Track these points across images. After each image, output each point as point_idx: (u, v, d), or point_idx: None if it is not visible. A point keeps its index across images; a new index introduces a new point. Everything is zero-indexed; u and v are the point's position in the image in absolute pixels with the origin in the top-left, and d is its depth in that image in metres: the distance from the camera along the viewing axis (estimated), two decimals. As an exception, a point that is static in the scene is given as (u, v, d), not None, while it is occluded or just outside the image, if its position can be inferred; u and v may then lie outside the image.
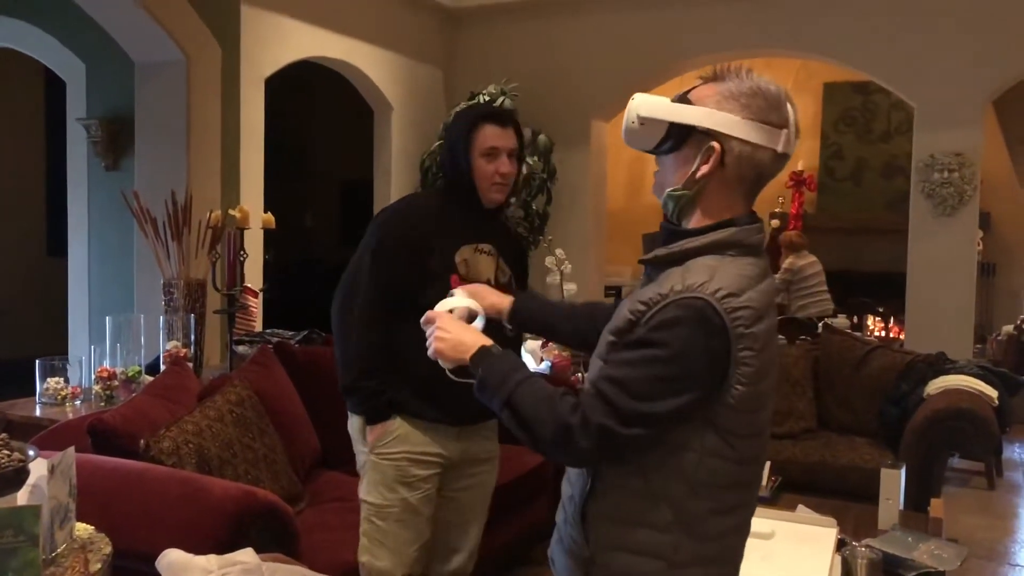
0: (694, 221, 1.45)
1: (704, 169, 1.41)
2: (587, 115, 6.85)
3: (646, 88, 7.02)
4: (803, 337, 4.80)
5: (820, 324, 5.55)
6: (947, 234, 5.94)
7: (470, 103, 6.35)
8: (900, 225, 7.79)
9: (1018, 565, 3.96)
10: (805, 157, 8.39)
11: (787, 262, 6.98)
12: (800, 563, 1.97)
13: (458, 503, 2.49)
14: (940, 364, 3.87)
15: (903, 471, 2.77)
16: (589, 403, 1.35)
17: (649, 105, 1.43)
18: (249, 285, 4.29)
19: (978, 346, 6.63)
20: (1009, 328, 6.73)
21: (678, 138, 1.42)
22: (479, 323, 1.68)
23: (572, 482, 1.54)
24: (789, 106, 1.41)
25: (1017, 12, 5.68)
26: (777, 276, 6.93)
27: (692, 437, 1.37)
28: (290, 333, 3.84)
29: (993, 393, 3.62)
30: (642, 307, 1.37)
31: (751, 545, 1.52)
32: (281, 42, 5.51)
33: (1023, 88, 6.08)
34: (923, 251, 6.02)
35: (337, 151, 8.61)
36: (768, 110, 1.39)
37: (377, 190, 6.70)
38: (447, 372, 1.57)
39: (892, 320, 7.05)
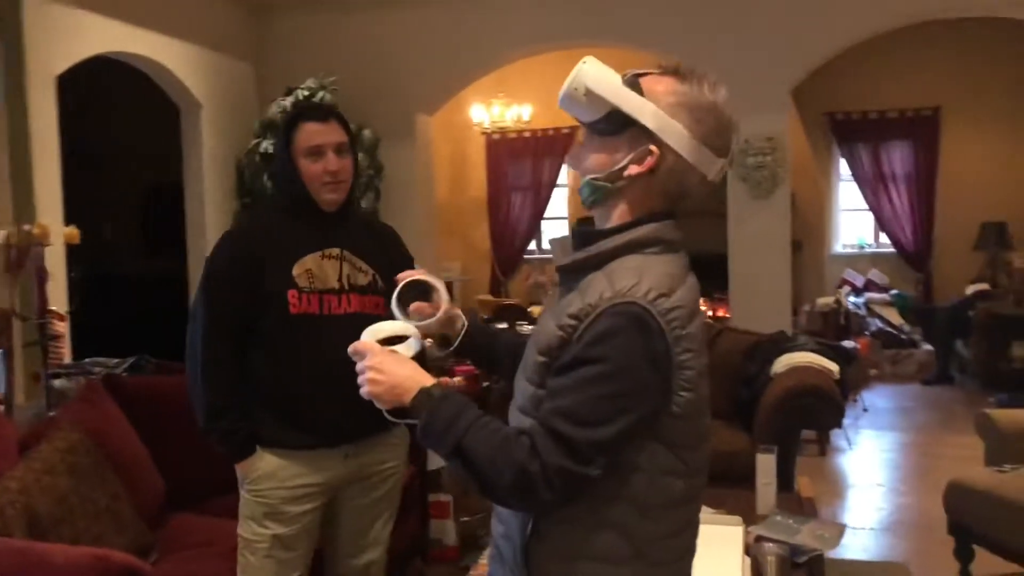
0: (613, 219, 1.35)
1: (634, 170, 1.32)
2: (411, 109, 6.67)
3: (467, 81, 6.96)
4: (521, 323, 4.87)
5: None
6: (763, 215, 6.24)
7: (290, 100, 6.03)
8: (717, 208, 8.18)
9: (859, 528, 4.19)
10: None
11: None
12: (712, 568, 1.92)
13: (360, 511, 2.35)
14: (782, 342, 4.02)
15: (775, 454, 2.82)
16: (543, 444, 1.21)
17: (600, 80, 1.31)
18: (55, 308, 3.84)
19: (792, 318, 7.04)
20: (828, 300, 7.19)
21: (618, 124, 1.31)
22: (411, 346, 1.49)
23: (505, 520, 1.40)
24: (733, 136, 1.34)
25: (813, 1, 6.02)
26: None
27: (640, 457, 1.27)
28: (114, 361, 3.43)
29: (834, 367, 3.81)
30: (572, 321, 1.26)
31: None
32: (73, 36, 4.96)
33: (817, 74, 6.45)
34: (742, 232, 6.30)
35: (141, 154, 7.95)
36: (716, 134, 1.31)
37: (189, 194, 6.21)
38: (384, 412, 1.40)
39: (713, 299, 7.34)
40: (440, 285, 1.62)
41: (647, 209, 1.34)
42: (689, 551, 1.41)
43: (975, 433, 3.62)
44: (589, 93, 1.30)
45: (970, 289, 7.71)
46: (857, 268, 8.68)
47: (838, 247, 8.93)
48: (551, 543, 1.32)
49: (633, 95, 1.30)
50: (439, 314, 1.60)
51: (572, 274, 1.36)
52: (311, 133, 2.19)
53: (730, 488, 3.24)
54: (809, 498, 2.83)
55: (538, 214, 9.42)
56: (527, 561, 1.33)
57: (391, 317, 2.29)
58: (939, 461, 5.11)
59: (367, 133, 6.29)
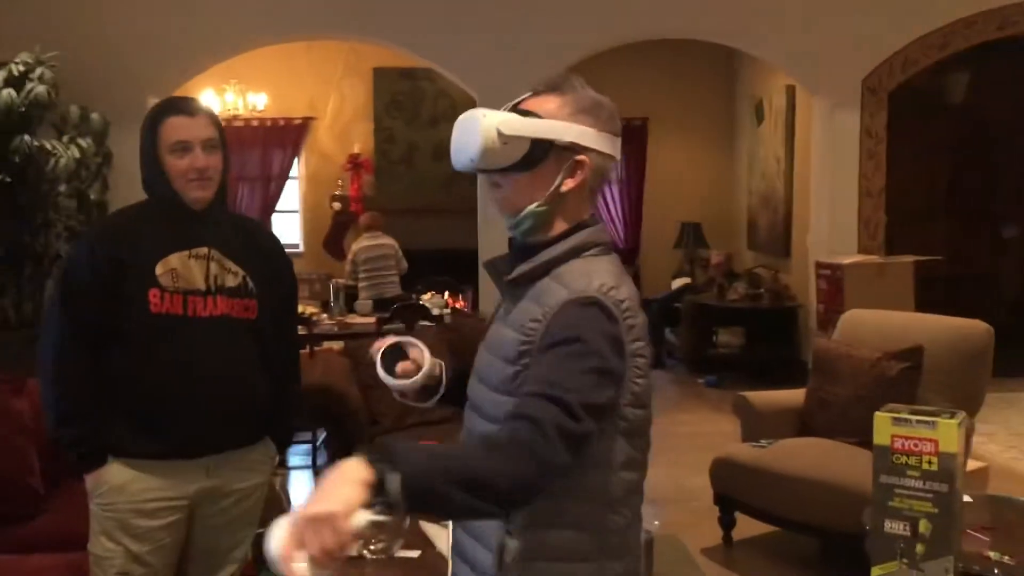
0: (551, 232, 1.44)
1: (569, 183, 1.41)
2: (143, 91, 6.11)
3: (204, 65, 6.54)
4: (424, 323, 4.93)
5: (445, 310, 5.73)
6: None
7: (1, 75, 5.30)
8: (452, 205, 8.39)
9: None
10: (361, 140, 8.54)
11: (353, 245, 7.08)
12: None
13: (215, 531, 2.21)
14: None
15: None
16: (539, 410, 1.21)
17: (509, 122, 1.39)
18: None
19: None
20: None
21: (542, 152, 1.39)
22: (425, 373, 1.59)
23: (474, 531, 1.43)
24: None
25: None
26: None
27: (604, 451, 1.35)
28: None
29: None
30: (534, 324, 1.34)
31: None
32: None
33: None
34: (494, 232, 6.52)
35: None
36: (611, 121, 1.45)
37: None
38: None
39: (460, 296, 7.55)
40: (416, 341, 1.66)
41: (579, 215, 1.45)
42: (639, 542, 1.49)
43: (695, 411, 4.08)
44: (505, 137, 1.37)
45: (675, 283, 8.62)
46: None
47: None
48: (525, 545, 1.36)
49: (543, 121, 1.40)
50: (424, 368, 1.62)
51: (520, 287, 1.43)
52: (177, 128, 2.08)
53: None
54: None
55: (268, 207, 9.06)
56: (501, 564, 1.36)
57: (262, 320, 2.18)
58: (671, 440, 5.66)
59: (95, 117, 5.72)
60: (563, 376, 1.26)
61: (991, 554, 2.49)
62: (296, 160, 8.82)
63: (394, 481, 1.08)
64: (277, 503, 2.58)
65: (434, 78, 8.41)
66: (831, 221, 6.62)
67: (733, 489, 3.71)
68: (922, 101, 7.36)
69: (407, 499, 1.09)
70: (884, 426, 2.32)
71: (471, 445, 1.34)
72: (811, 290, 6.79)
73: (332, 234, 8.33)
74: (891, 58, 6.51)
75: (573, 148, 1.40)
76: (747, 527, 3.80)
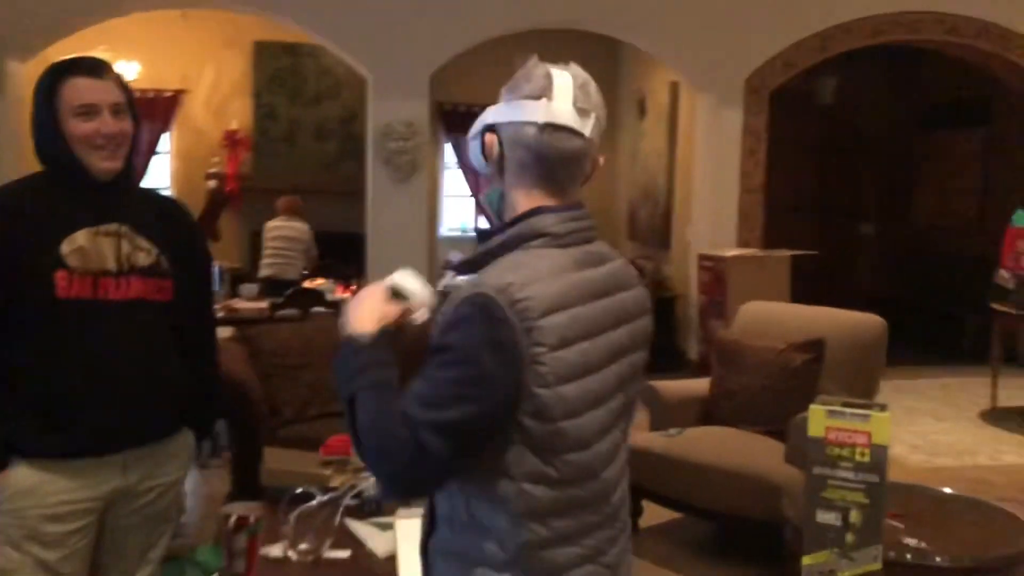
0: (507, 218, 1.39)
1: (490, 165, 1.38)
2: (1, 53, 5.64)
3: (74, 27, 6.07)
4: (318, 309, 4.73)
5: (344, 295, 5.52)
6: (403, 199, 6.39)
7: None
8: (334, 186, 8.16)
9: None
10: (238, 116, 8.16)
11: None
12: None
13: (128, 531, 2.04)
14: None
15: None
16: (400, 422, 1.22)
17: (474, 125, 1.41)
18: None
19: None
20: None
21: (479, 146, 1.39)
22: (421, 315, 1.40)
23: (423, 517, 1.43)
24: (555, 76, 1.34)
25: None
26: None
27: (508, 461, 1.25)
28: None
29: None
30: (441, 315, 1.30)
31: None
32: None
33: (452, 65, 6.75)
34: (382, 215, 6.38)
35: None
36: (522, 85, 1.36)
37: None
38: None
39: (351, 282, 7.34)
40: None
41: (530, 201, 1.35)
42: (590, 559, 1.34)
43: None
44: (472, 136, 1.40)
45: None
46: (460, 250, 9.24)
47: (443, 231, 9.45)
48: (440, 541, 1.36)
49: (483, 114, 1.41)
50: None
51: (467, 273, 1.37)
52: (81, 90, 1.86)
53: None
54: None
55: (134, 183, 8.53)
56: (425, 554, 1.38)
57: (178, 301, 2.00)
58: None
59: (-52, 78, 5.20)
60: (426, 388, 1.22)
61: (908, 540, 2.60)
62: (168, 135, 8.33)
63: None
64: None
65: (318, 54, 8.13)
66: (713, 215, 6.82)
67: (642, 477, 3.74)
68: (795, 102, 7.70)
69: (333, 371, 1.32)
70: (819, 419, 2.38)
71: (388, 400, 1.25)
72: (692, 281, 6.98)
73: (207, 213, 7.93)
74: (773, 59, 6.76)
75: (491, 129, 1.37)
76: (653, 514, 3.85)
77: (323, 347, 3.90)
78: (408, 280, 1.42)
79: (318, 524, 2.41)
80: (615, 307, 1.36)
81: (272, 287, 6.09)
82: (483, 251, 1.33)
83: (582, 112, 1.33)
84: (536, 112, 1.32)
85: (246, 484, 3.33)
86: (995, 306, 5.80)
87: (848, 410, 2.36)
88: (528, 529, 1.27)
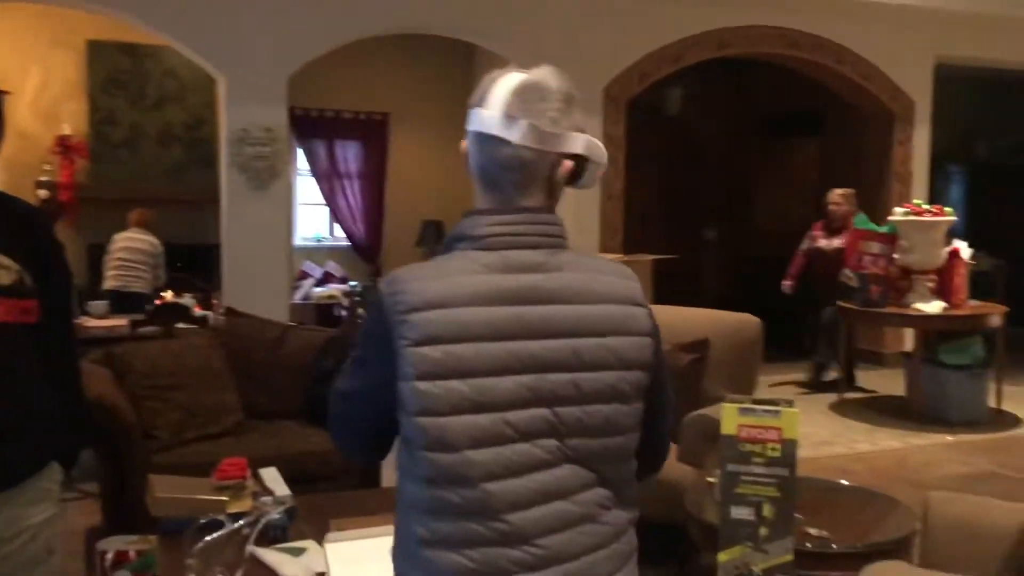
0: None
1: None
2: None
3: None
4: (183, 325, 4.42)
5: (209, 312, 5.18)
6: (262, 206, 6.11)
7: None
8: (180, 195, 7.72)
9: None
10: (72, 121, 7.56)
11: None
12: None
13: None
14: (351, 339, 4.04)
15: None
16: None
17: None
18: None
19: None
20: (325, 292, 7.32)
21: None
22: None
23: None
24: (496, 82, 1.35)
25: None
26: None
27: (403, 456, 1.32)
28: None
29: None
30: None
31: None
32: None
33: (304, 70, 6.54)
34: (240, 225, 6.09)
35: None
36: (476, 95, 1.38)
37: None
38: None
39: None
40: None
41: (477, 203, 1.39)
42: (476, 572, 1.27)
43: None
44: None
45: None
46: (315, 260, 8.99)
47: (297, 240, 9.13)
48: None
49: None
50: None
51: None
52: None
53: (333, 491, 3.20)
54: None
55: (-50, 193, 7.77)
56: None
57: (42, 323, 1.80)
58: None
59: None
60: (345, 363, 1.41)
61: (810, 530, 2.69)
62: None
63: None
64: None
65: (161, 56, 7.68)
66: (576, 222, 6.91)
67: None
68: (645, 112, 7.95)
69: None
70: (731, 416, 2.42)
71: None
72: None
73: (38, 225, 7.30)
74: (630, 68, 6.94)
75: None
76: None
77: (195, 366, 3.66)
78: None
79: (225, 555, 2.23)
80: (532, 317, 1.28)
81: (119, 302, 5.69)
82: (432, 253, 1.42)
83: (509, 118, 1.31)
84: (471, 120, 1.36)
85: (120, 516, 3.06)
86: (841, 304, 6.18)
87: (759, 407, 2.41)
88: (413, 523, 1.30)
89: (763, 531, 2.46)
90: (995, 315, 5.88)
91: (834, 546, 2.67)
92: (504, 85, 1.33)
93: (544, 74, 1.35)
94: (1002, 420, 5.99)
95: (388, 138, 9.08)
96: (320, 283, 8.65)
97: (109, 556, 1.90)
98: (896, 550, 2.65)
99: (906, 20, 7.43)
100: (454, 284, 1.28)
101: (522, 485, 1.26)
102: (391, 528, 2.22)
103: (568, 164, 1.35)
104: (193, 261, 7.39)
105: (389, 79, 8.91)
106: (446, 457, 1.25)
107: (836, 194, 6.68)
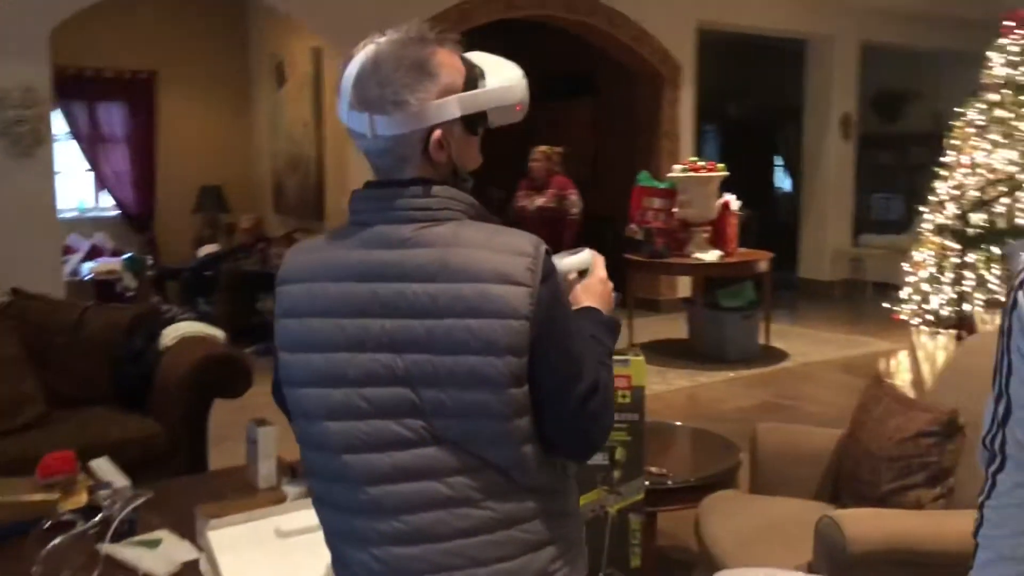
0: None
1: None
2: None
3: None
4: None
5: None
6: (25, 176, 5.52)
7: None
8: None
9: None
10: None
11: None
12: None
13: None
14: (162, 314, 3.77)
15: (274, 426, 2.75)
16: None
17: None
18: None
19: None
20: (105, 267, 6.75)
21: None
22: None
23: None
24: (343, 76, 1.29)
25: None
26: None
27: None
28: None
29: (220, 333, 3.77)
30: None
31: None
32: None
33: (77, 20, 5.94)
34: (1, 196, 5.47)
35: None
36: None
37: None
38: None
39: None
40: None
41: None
42: (333, 533, 1.35)
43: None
44: None
45: (202, 250, 8.12)
46: (82, 233, 8.26)
47: (60, 211, 8.32)
48: None
49: None
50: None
51: None
52: None
53: (158, 476, 3.03)
54: (297, 462, 2.84)
55: None
56: None
57: None
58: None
59: None
60: None
61: (651, 468, 2.88)
62: None
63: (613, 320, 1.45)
64: None
65: None
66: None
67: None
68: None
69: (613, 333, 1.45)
70: (584, 369, 2.53)
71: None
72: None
73: None
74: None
75: None
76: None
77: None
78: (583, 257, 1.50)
79: (73, 558, 2.06)
80: (387, 293, 1.23)
81: None
82: None
83: (354, 112, 1.27)
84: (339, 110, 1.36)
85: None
86: (628, 256, 6.55)
87: (610, 357, 2.54)
88: (320, 507, 1.35)
89: (617, 474, 2.61)
90: (763, 261, 6.49)
91: (669, 482, 2.87)
92: (346, 77, 1.27)
93: (381, 51, 1.26)
94: (772, 355, 6.65)
95: (156, 98, 8.47)
96: (88, 257, 7.96)
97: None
98: (726, 480, 2.90)
99: (672, -14, 7.90)
100: (319, 259, 1.30)
101: (380, 460, 1.24)
102: (271, 512, 2.16)
103: (437, 134, 1.27)
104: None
105: (155, 35, 8.29)
106: (307, 426, 1.30)
107: (538, 151, 6.58)
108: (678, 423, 3.63)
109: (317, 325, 1.26)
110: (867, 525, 2.10)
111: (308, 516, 1.99)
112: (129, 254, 8.21)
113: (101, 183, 8.37)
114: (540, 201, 6.50)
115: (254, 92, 8.81)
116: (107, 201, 8.49)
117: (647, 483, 2.83)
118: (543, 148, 6.58)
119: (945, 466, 2.30)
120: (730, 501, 2.69)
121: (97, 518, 2.15)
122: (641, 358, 2.57)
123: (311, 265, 1.30)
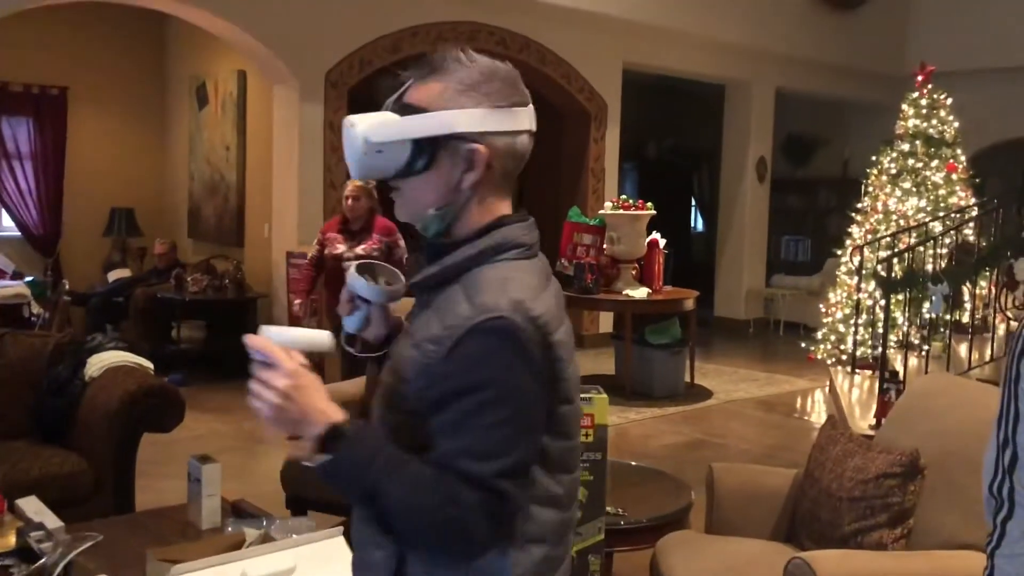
0: (465, 228, 1.26)
1: (472, 177, 1.24)
2: None
3: None
4: None
5: None
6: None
7: None
8: None
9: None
10: None
11: None
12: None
13: None
14: (86, 343, 3.54)
15: (218, 463, 2.61)
16: (454, 488, 1.10)
17: (379, 128, 1.22)
18: None
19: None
20: (11, 291, 6.36)
21: (430, 154, 1.23)
22: (324, 339, 1.24)
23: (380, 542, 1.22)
24: (519, 78, 1.29)
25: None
26: None
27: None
28: None
29: (149, 364, 3.58)
30: (432, 346, 1.18)
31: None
32: None
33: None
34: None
35: None
36: (508, 89, 1.26)
37: None
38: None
39: None
40: (388, 266, 1.43)
41: (496, 210, 1.27)
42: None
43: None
44: (379, 147, 1.22)
45: (112, 275, 7.78)
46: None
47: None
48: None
49: (418, 117, 1.23)
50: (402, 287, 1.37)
51: (427, 291, 1.26)
52: None
53: (83, 516, 2.84)
54: (239, 500, 2.70)
55: None
56: None
57: None
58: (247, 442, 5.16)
59: None
60: (475, 440, 1.12)
61: (608, 508, 2.83)
62: None
63: (320, 459, 1.12)
64: None
65: None
66: (298, 212, 6.66)
67: (305, 489, 3.55)
68: (362, 102, 7.85)
69: (324, 477, 1.14)
70: (548, 406, 2.49)
71: (413, 472, 1.13)
72: (279, 281, 6.77)
73: None
74: (351, 55, 6.81)
75: (464, 138, 1.21)
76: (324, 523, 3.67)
77: None
78: (359, 282, 1.31)
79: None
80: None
81: None
82: (450, 265, 1.23)
83: (513, 109, 1.28)
84: (526, 119, 1.27)
85: None
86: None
87: (574, 395, 2.50)
88: (528, 554, 1.21)
89: (577, 514, 2.56)
90: (689, 299, 6.59)
91: (622, 523, 2.83)
92: (489, 78, 1.25)
93: (484, 61, 1.28)
94: (697, 392, 6.73)
95: (67, 116, 8.11)
96: (-13, 280, 7.52)
97: None
98: (679, 520, 2.89)
99: (599, 26, 8.02)
100: (553, 295, 1.25)
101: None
102: (233, 557, 2.02)
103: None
104: None
105: (67, 49, 7.96)
106: (576, 474, 1.29)
107: (352, 186, 4.70)
108: (633, 463, 3.61)
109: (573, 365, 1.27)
110: (838, 567, 2.10)
111: (274, 560, 1.89)
112: (31, 277, 7.80)
113: (2, 202, 7.93)
114: (361, 248, 4.72)
115: (172, 113, 8.54)
116: (8, 221, 8.05)
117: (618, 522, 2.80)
118: (357, 183, 4.64)
119: (907, 507, 2.33)
120: (688, 542, 2.67)
121: (37, 564, 1.97)
122: (604, 396, 2.54)
123: (556, 304, 1.25)
